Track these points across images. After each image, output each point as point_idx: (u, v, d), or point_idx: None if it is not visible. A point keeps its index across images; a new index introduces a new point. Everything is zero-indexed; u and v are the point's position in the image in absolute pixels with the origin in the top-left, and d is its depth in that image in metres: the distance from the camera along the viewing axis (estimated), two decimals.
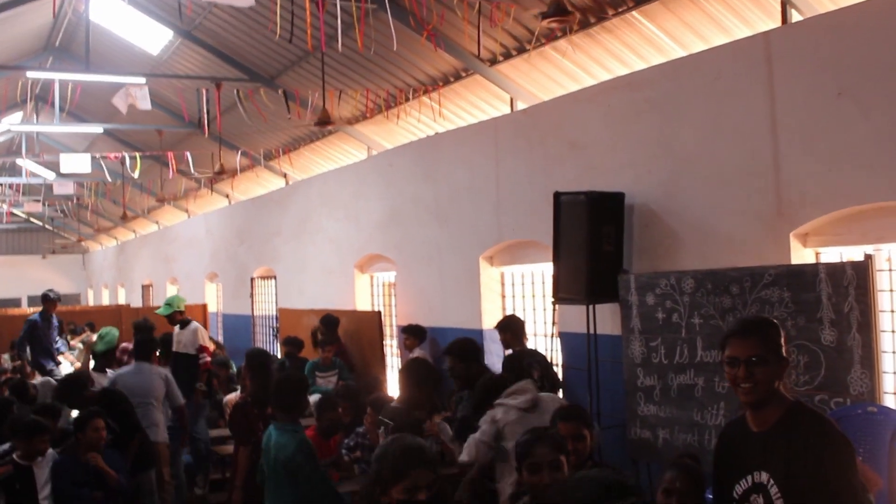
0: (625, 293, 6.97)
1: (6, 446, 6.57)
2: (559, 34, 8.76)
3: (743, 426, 3.21)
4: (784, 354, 3.18)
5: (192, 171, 15.88)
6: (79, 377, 8.68)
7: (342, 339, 11.20)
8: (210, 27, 13.08)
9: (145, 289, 25.90)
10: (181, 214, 23.56)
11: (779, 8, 7.25)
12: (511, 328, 8.02)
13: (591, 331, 7.49)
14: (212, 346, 10.31)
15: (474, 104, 11.04)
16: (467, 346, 6.47)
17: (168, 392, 8.55)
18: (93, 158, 15.83)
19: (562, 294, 7.51)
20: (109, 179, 18.50)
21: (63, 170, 15.67)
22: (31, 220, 32.65)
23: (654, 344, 6.71)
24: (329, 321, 11.05)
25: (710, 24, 7.88)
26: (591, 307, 7.46)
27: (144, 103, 12.07)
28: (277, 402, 5.66)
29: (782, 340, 3.19)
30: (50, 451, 6.53)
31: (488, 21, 9.08)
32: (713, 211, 6.86)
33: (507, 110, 10.28)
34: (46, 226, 33.66)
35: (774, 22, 7.19)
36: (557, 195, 7.49)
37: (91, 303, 32.50)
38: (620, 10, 8.33)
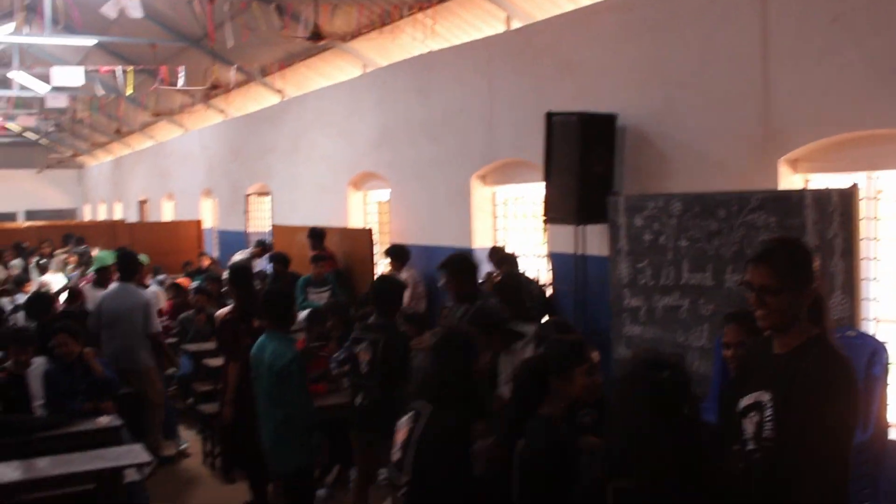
0: (613, 214, 6.99)
1: None
2: None
3: (768, 346, 3.17)
4: (808, 280, 3.03)
5: (182, 84, 15.71)
6: (45, 295, 8.89)
7: (336, 256, 11.31)
8: None
9: (141, 205, 25.86)
10: (177, 130, 23.38)
11: None
12: (507, 261, 8.37)
13: (580, 251, 7.55)
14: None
15: (469, 22, 10.87)
16: (462, 261, 6.51)
17: (144, 317, 8.13)
18: (85, 72, 15.62)
19: (552, 214, 7.55)
20: (102, 92, 18.31)
21: (54, 83, 15.48)
22: (26, 134, 32.34)
23: (640, 265, 6.76)
24: (314, 233, 11.19)
25: None
26: (580, 228, 7.50)
27: (136, 12, 11.85)
28: (268, 314, 5.87)
29: (811, 265, 3.05)
30: (42, 359, 6.64)
31: None
32: (704, 134, 6.85)
33: (503, 28, 10.15)
34: (41, 140, 33.38)
35: None
36: (549, 115, 7.46)
37: (87, 218, 32.46)
38: None
